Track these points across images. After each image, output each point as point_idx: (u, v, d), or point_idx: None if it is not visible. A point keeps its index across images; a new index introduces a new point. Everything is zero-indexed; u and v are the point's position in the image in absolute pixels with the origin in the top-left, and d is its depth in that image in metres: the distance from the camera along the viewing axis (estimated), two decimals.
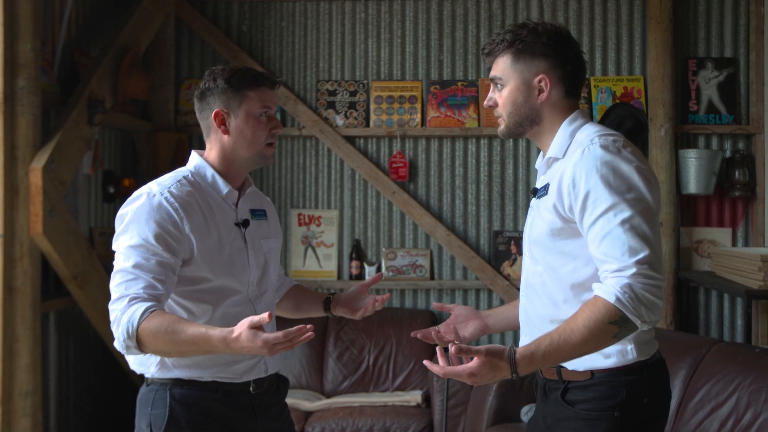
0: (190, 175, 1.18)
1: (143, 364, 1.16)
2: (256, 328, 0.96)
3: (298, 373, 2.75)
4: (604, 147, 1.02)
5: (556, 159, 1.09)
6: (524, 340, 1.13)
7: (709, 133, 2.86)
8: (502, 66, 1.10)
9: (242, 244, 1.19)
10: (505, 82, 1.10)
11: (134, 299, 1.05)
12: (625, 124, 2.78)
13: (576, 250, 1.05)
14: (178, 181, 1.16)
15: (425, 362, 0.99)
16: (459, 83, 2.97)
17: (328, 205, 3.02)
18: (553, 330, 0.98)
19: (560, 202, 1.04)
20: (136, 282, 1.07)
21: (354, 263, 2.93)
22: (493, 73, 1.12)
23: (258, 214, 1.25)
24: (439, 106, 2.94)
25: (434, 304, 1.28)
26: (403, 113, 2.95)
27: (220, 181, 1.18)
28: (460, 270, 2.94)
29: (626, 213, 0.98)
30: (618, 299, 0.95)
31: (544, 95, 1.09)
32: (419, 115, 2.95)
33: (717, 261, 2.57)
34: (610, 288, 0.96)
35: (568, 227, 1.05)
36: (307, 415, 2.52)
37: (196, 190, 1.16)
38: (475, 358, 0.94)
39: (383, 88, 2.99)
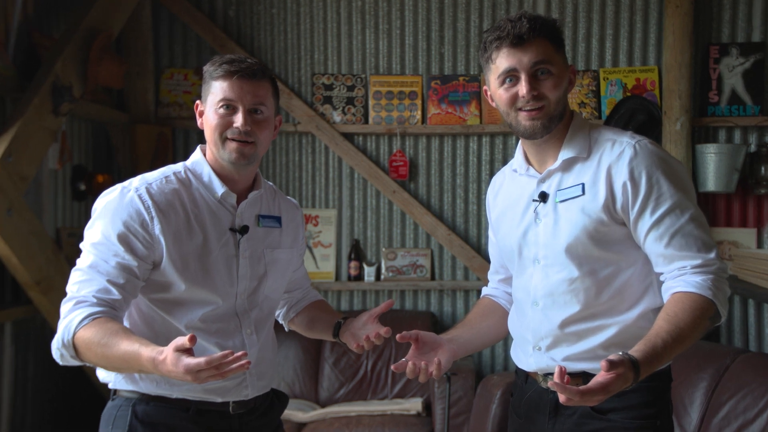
0: (182, 172, 1.09)
1: (109, 373, 1.05)
2: (181, 351, 0.84)
3: (291, 381, 2.62)
4: (653, 145, 1.02)
5: (577, 159, 1.04)
6: (544, 350, 1.07)
7: (731, 126, 2.67)
8: (545, 50, 1.01)
9: (233, 251, 1.07)
10: (551, 67, 1.02)
11: (80, 303, 0.96)
12: (637, 118, 2.61)
13: (620, 250, 1.02)
14: (165, 177, 1.07)
15: (550, 383, 0.86)
16: (461, 78, 2.85)
17: (326, 204, 2.91)
18: (658, 330, 0.92)
19: (612, 202, 1.00)
20: (89, 284, 0.97)
21: (353, 264, 2.85)
22: (535, 57, 1.00)
23: (267, 220, 1.14)
24: (440, 103, 2.84)
25: (398, 337, 1.09)
26: (402, 110, 2.85)
27: (215, 181, 1.08)
28: (461, 270, 2.86)
29: (691, 209, 0.98)
30: (714, 295, 0.94)
31: (572, 87, 1.07)
32: (419, 112, 2.86)
33: (739, 263, 2.39)
34: (701, 283, 0.94)
35: (613, 228, 1.00)
36: (300, 426, 2.40)
37: (184, 188, 1.06)
38: (607, 373, 0.85)
39: (382, 83, 2.87)
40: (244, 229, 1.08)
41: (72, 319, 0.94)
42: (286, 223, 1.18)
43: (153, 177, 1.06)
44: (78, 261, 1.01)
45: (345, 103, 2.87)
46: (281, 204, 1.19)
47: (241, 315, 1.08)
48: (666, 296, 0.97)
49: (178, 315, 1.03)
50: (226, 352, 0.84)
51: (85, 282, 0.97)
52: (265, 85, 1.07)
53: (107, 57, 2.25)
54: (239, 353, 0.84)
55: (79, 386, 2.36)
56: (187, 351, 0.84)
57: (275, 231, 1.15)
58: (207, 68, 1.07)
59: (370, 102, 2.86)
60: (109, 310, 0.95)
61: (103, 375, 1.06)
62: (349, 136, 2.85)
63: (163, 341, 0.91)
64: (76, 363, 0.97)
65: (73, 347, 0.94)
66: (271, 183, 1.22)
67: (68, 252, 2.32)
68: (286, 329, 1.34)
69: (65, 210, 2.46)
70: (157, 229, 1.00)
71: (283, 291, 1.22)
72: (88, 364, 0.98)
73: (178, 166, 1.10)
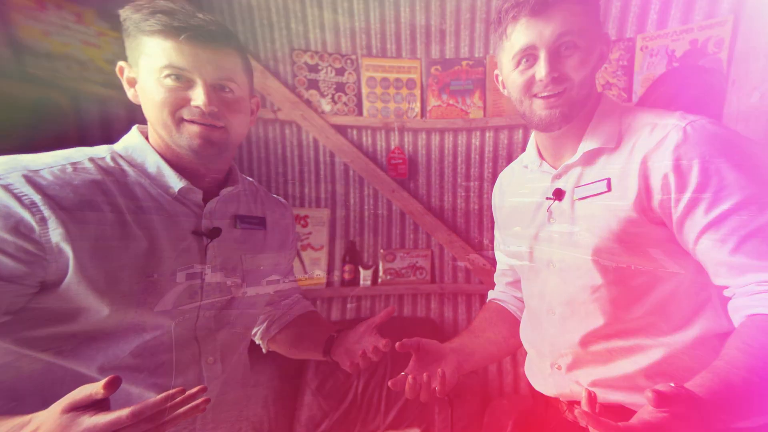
0: (107, 158, 0.82)
1: None
2: (80, 408, 0.54)
3: (258, 418, 2.26)
4: (715, 125, 0.82)
5: (602, 151, 0.88)
6: (564, 371, 0.91)
7: None
8: (574, 17, 0.84)
9: (197, 258, 0.86)
10: (579, 39, 0.84)
11: None
12: (684, 95, 2.06)
13: (659, 256, 0.86)
14: (72, 164, 0.78)
15: (577, 411, 0.66)
16: (463, 62, 2.49)
17: (317, 204, 2.64)
18: (733, 362, 0.70)
19: (647, 198, 0.85)
20: None
21: (347, 267, 2.62)
22: (561, 28, 0.83)
23: (247, 221, 0.95)
24: (441, 93, 2.52)
25: (397, 345, 0.97)
26: (400, 100, 2.54)
27: (169, 173, 0.84)
28: (463, 272, 2.60)
29: None
30: None
31: (602, 64, 0.88)
32: (418, 104, 2.52)
33: None
34: None
35: (647, 230, 0.85)
36: None
37: (113, 181, 0.81)
38: (658, 410, 0.63)
39: (376, 68, 2.55)
40: (214, 232, 0.87)
41: None
42: (272, 224, 1.00)
43: (41, 162, 0.77)
44: None
45: (334, 89, 2.57)
46: (265, 203, 0.99)
47: (201, 339, 0.86)
48: (737, 318, 0.78)
49: (86, 354, 0.75)
50: (171, 392, 0.59)
51: None
52: (231, 55, 0.82)
53: None
54: (194, 390, 0.61)
55: None
56: (98, 405, 0.55)
57: (257, 234, 0.97)
58: (128, 15, 0.78)
59: (364, 90, 2.55)
60: None
61: None
62: (341, 129, 2.56)
63: (36, 404, 0.61)
64: None
65: None
66: (251, 179, 1.00)
67: None
68: (264, 350, 1.11)
69: None
70: (55, 234, 0.73)
71: (264, 304, 0.99)
72: None
73: (99, 151, 0.83)
